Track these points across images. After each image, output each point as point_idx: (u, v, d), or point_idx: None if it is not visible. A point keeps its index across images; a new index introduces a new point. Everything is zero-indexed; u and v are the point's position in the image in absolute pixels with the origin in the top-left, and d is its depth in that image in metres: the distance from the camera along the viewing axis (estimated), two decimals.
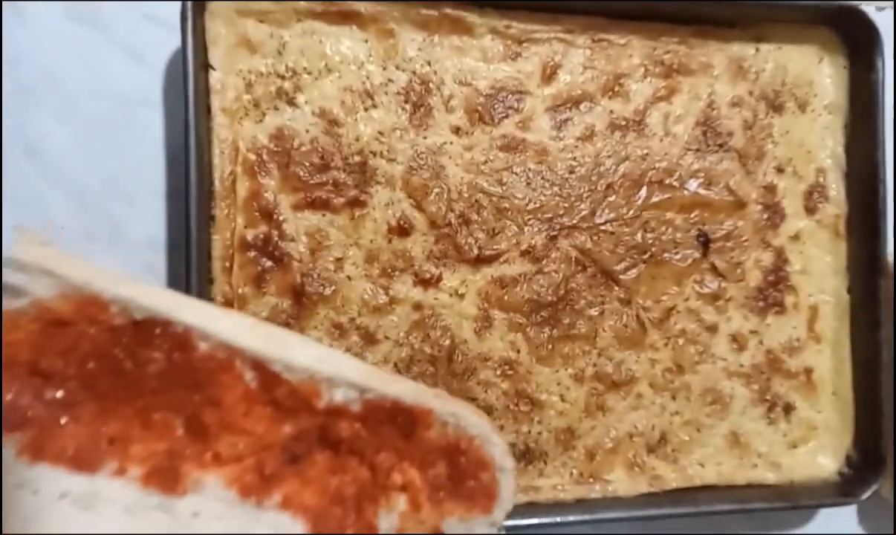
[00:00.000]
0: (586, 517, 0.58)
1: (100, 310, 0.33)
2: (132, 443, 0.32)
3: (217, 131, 0.55)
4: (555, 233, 0.60)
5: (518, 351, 0.59)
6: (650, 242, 0.62)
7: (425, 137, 0.59)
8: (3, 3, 0.56)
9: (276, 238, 0.56)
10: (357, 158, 0.58)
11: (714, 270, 0.63)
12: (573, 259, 0.61)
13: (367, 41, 0.58)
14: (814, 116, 0.66)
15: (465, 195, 0.59)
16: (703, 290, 0.63)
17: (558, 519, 0.57)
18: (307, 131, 0.57)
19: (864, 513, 0.70)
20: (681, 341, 0.62)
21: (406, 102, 0.59)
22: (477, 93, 0.60)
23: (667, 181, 0.63)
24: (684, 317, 0.62)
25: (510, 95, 0.60)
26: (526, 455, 0.58)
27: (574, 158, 0.61)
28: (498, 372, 0.58)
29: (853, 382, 0.65)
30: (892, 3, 0.69)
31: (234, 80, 0.56)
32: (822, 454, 0.65)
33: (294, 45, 0.57)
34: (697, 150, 0.64)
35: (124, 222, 0.58)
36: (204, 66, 0.55)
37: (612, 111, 0.62)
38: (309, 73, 0.57)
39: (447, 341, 0.58)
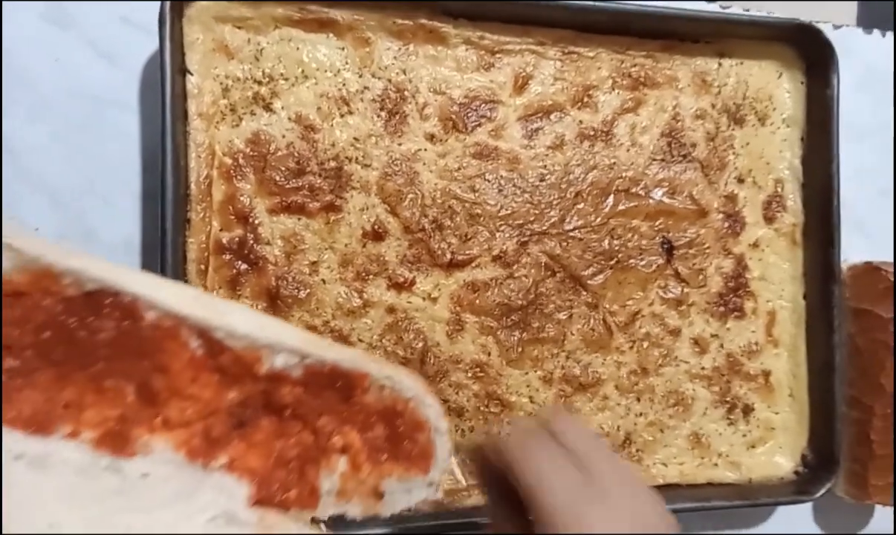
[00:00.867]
0: None
1: (53, 282, 0.34)
2: (86, 408, 0.34)
3: (193, 135, 0.56)
4: (525, 239, 0.62)
5: (489, 354, 0.60)
6: (617, 248, 0.64)
7: (400, 144, 0.60)
8: None
9: (251, 241, 0.56)
10: (333, 164, 0.59)
11: (677, 276, 0.65)
12: (543, 264, 0.62)
13: (343, 49, 0.59)
14: (773, 129, 0.69)
15: (439, 201, 0.60)
16: (666, 295, 0.65)
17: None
18: (283, 136, 0.58)
19: (819, 511, 0.72)
20: (645, 345, 0.64)
21: (381, 109, 0.60)
22: (451, 101, 0.61)
23: (633, 190, 0.65)
24: (649, 321, 0.65)
25: (483, 104, 0.62)
26: None
27: (544, 167, 0.63)
28: (469, 374, 0.60)
29: (808, 384, 0.68)
30: (853, 22, 0.73)
31: (211, 85, 0.57)
32: (779, 454, 0.67)
33: (271, 51, 0.58)
34: (662, 160, 0.66)
35: (99, 224, 0.58)
36: (181, 71, 0.55)
37: (581, 121, 0.64)
38: (286, 80, 0.58)
39: (420, 344, 0.59)
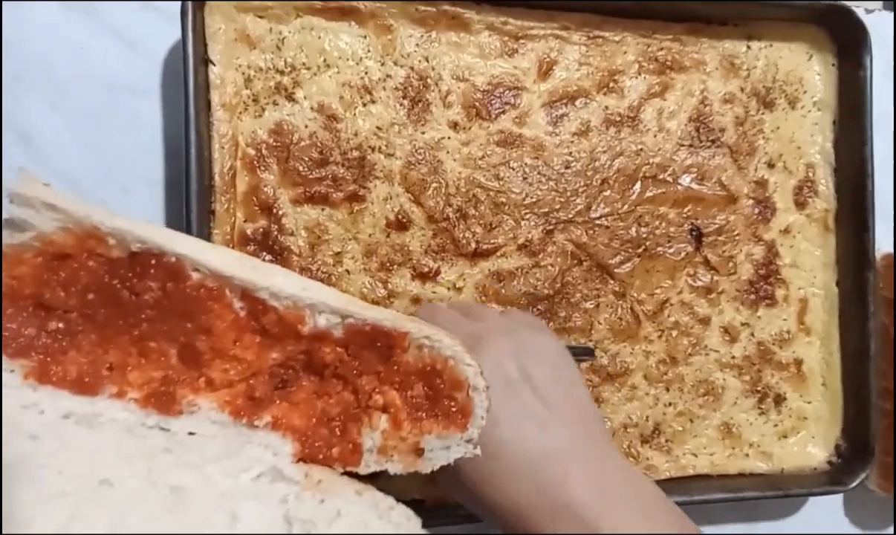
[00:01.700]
0: None
1: (98, 243, 0.34)
2: (130, 370, 0.35)
3: (217, 126, 0.55)
4: (551, 227, 0.61)
5: None
6: (644, 236, 0.63)
7: (423, 133, 0.59)
8: None
9: (275, 232, 0.56)
10: (356, 153, 0.58)
11: (707, 263, 0.64)
12: (569, 253, 0.61)
13: (365, 37, 0.59)
14: (803, 113, 0.67)
15: (463, 190, 0.60)
16: (695, 283, 0.64)
17: None
18: (306, 126, 0.57)
19: (849, 504, 0.71)
20: (674, 334, 0.63)
21: (404, 97, 0.59)
22: (474, 89, 0.60)
23: (660, 176, 0.64)
24: (677, 310, 0.63)
25: (507, 91, 0.61)
26: None
27: (570, 154, 0.62)
28: None
29: (842, 373, 0.66)
30: (880, 5, 0.71)
31: (234, 75, 0.56)
32: (811, 445, 0.66)
33: (293, 40, 0.58)
34: (690, 145, 0.65)
35: (120, 212, 0.58)
36: (203, 61, 0.55)
37: (606, 107, 0.63)
38: (308, 69, 0.58)
39: None
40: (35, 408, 0.33)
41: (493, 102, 0.61)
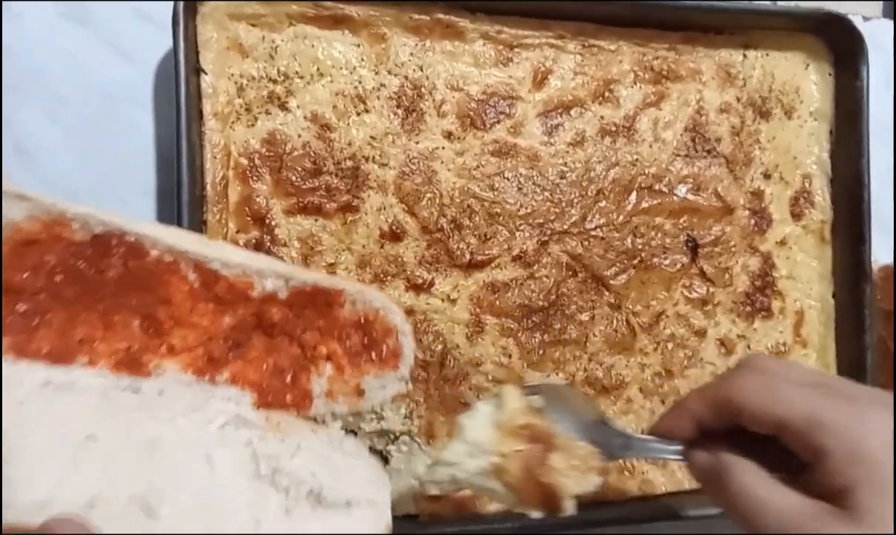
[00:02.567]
0: (576, 519, 0.58)
1: (63, 227, 0.38)
2: (98, 342, 0.38)
3: (209, 136, 0.55)
4: (546, 238, 0.61)
5: (510, 356, 0.59)
6: (640, 247, 0.62)
7: (417, 142, 0.59)
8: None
9: (268, 243, 0.55)
10: (349, 163, 0.57)
11: (703, 275, 0.64)
12: (564, 264, 0.61)
13: (359, 46, 0.58)
14: (800, 123, 0.67)
15: (457, 200, 0.59)
16: (691, 295, 0.64)
17: (549, 520, 0.57)
18: (299, 136, 0.57)
19: None
20: (670, 346, 0.63)
21: (398, 106, 0.59)
22: (468, 98, 0.60)
23: (656, 187, 0.63)
24: (673, 322, 0.63)
25: (501, 101, 0.61)
26: None
27: (565, 164, 0.62)
28: (490, 377, 0.59)
29: None
30: (879, 13, 0.70)
31: (226, 84, 0.56)
32: None
33: (286, 49, 0.57)
34: (686, 155, 0.64)
35: None
36: (195, 70, 0.54)
37: (602, 117, 0.63)
38: (301, 78, 0.57)
39: (439, 346, 0.58)
40: (15, 379, 0.36)
41: (487, 111, 0.60)
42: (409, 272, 0.58)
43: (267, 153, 0.56)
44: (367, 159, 0.58)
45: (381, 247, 0.58)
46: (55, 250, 0.38)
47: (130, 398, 0.38)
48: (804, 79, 0.67)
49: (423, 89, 0.59)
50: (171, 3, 0.52)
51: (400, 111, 0.59)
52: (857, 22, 0.66)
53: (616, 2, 0.62)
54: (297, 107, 0.57)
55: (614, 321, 0.62)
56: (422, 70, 0.59)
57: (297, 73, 0.57)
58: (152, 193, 0.58)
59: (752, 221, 0.65)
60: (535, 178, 0.61)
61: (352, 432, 0.45)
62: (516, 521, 0.55)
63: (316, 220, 0.57)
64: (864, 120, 0.65)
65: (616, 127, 0.63)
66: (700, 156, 0.64)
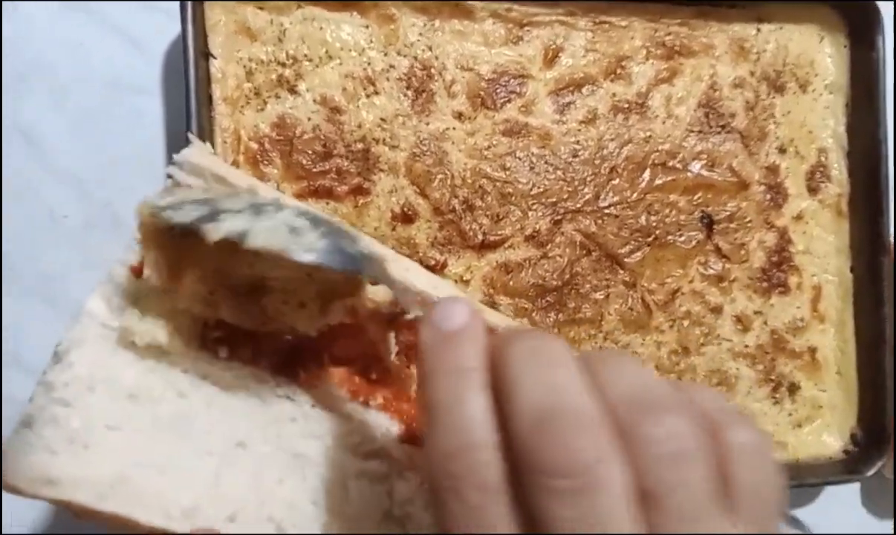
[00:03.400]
0: None
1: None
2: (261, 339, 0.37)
3: (218, 121, 0.55)
4: (559, 217, 0.60)
5: None
6: (654, 224, 0.62)
7: (428, 123, 0.58)
8: None
9: None
10: (360, 146, 0.57)
11: (718, 251, 0.63)
12: (578, 243, 0.60)
13: (367, 27, 0.58)
14: (815, 96, 0.66)
15: (469, 181, 0.59)
16: (707, 271, 0.63)
17: None
18: (309, 119, 0.56)
19: (867, 493, 0.70)
20: (686, 323, 0.62)
21: (408, 87, 0.58)
22: (479, 77, 0.59)
23: (670, 163, 0.63)
24: (689, 299, 0.62)
25: (512, 80, 0.60)
26: None
27: (577, 142, 0.61)
28: None
29: (857, 360, 0.65)
30: None
31: (235, 69, 0.55)
32: (826, 433, 0.65)
33: (294, 31, 0.57)
34: (700, 131, 0.63)
35: (126, 212, 0.57)
36: (204, 55, 0.54)
37: (614, 94, 0.62)
38: (310, 61, 0.57)
39: None
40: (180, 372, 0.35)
41: (498, 90, 0.60)
42: (421, 254, 0.58)
43: (277, 137, 0.56)
44: (377, 141, 0.57)
45: (393, 229, 0.57)
46: None
47: (285, 406, 0.36)
48: (819, 52, 0.66)
49: (432, 70, 0.59)
50: None
51: (410, 92, 0.58)
52: None
53: None
54: (307, 90, 0.57)
55: (629, 300, 0.61)
56: (431, 50, 0.59)
57: (305, 55, 0.57)
58: (162, 182, 0.58)
59: (768, 197, 0.65)
60: (548, 157, 0.60)
61: None
62: None
63: (327, 203, 0.56)
64: (881, 92, 0.64)
65: (628, 104, 0.62)
66: (714, 131, 0.64)
